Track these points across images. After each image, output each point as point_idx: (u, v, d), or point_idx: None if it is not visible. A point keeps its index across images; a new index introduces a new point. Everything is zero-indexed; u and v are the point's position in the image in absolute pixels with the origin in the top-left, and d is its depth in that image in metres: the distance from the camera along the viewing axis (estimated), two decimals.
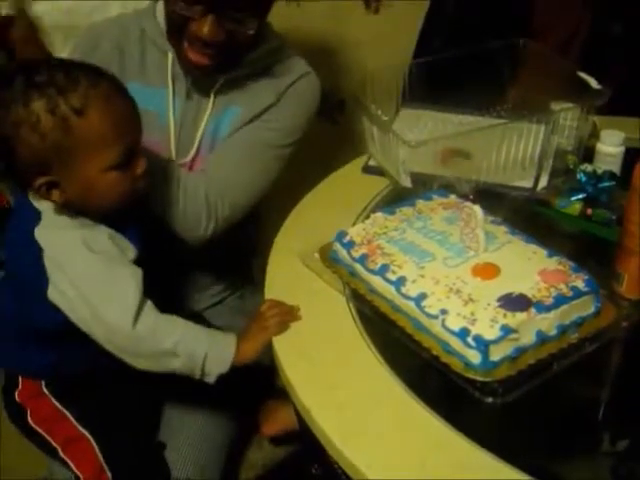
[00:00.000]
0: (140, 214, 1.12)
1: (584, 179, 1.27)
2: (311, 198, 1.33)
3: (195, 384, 1.15)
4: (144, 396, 1.23)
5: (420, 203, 1.19)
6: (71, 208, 1.04)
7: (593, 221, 1.22)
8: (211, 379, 1.05)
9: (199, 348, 1.03)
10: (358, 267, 1.07)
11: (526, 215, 1.23)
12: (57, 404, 1.17)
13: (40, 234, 1.04)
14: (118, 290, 1.02)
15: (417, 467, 0.81)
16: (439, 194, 1.22)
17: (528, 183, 1.33)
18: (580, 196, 1.26)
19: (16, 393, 1.19)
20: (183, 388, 1.22)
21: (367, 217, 1.19)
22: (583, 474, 0.85)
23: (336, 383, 0.93)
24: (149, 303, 1.04)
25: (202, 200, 1.22)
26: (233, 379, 1.07)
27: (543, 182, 1.33)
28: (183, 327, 1.05)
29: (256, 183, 1.29)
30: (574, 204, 1.25)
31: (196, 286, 1.40)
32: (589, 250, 1.18)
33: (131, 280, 1.04)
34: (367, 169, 1.41)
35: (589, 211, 1.23)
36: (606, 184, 1.25)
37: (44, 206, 1.05)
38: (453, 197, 1.20)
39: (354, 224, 1.19)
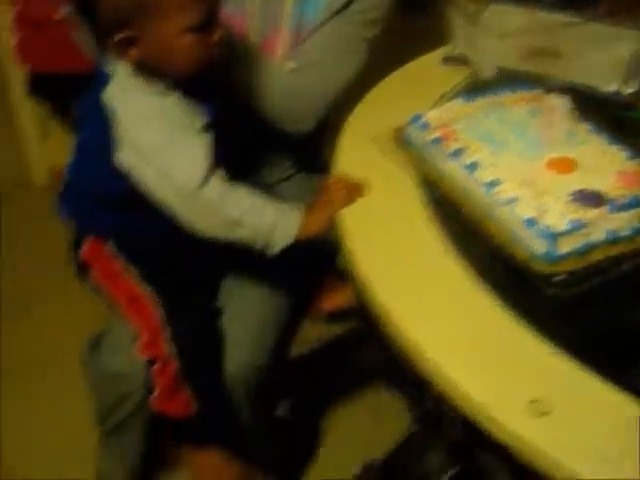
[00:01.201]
0: (214, 88, 1.11)
1: None
2: (388, 83, 1.30)
3: (257, 257, 1.17)
4: (206, 263, 1.25)
5: (502, 95, 1.15)
6: (145, 71, 1.04)
7: None
8: (274, 251, 1.06)
9: (265, 220, 1.04)
10: (432, 150, 1.05)
11: (610, 118, 1.18)
12: (122, 262, 1.20)
13: (112, 96, 1.04)
14: (187, 155, 1.03)
15: (471, 346, 0.81)
16: (523, 87, 1.18)
17: (615, 87, 1.28)
18: None
19: (83, 250, 1.22)
20: (244, 260, 1.24)
21: (445, 103, 1.16)
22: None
23: (399, 260, 0.93)
24: (218, 171, 1.04)
25: (303, 97, 1.23)
26: (296, 255, 1.08)
27: (632, 87, 1.28)
28: (251, 198, 1.06)
29: (349, 75, 1.28)
30: None
31: (265, 160, 1.40)
32: None
33: (200, 146, 1.04)
34: (448, 60, 1.37)
35: None
36: None
37: (120, 68, 1.05)
38: (537, 91, 1.16)
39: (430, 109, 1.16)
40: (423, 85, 1.29)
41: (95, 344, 1.32)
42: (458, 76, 1.32)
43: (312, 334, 1.38)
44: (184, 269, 1.22)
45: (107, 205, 1.16)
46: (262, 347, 1.25)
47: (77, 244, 1.23)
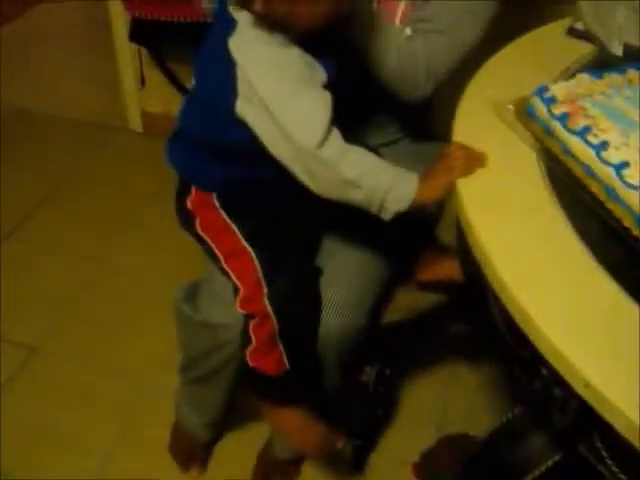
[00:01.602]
0: (333, 46, 1.08)
1: None
2: (508, 51, 1.26)
3: (359, 220, 1.15)
4: (308, 223, 1.24)
5: (631, 72, 1.10)
6: (270, 22, 1.01)
7: None
8: (388, 215, 1.04)
9: (382, 183, 1.01)
10: (557, 125, 1.01)
11: None
12: (225, 217, 1.18)
13: (234, 45, 1.01)
14: (307, 111, 1.01)
15: (589, 327, 0.78)
16: None
17: None
18: None
19: (188, 200, 1.21)
20: (346, 222, 1.23)
21: (570, 77, 1.11)
22: None
23: (516, 231, 0.90)
24: (337, 131, 1.02)
25: (421, 63, 1.20)
26: (398, 221, 1.06)
27: None
28: (369, 159, 1.04)
29: (471, 43, 1.24)
30: None
31: (372, 122, 1.38)
32: None
33: (321, 103, 1.02)
34: (572, 31, 1.31)
35: None
36: None
37: (242, 17, 1.02)
38: None
39: (550, 83, 1.12)
40: (545, 56, 1.25)
41: (191, 292, 1.33)
42: (581, 49, 1.27)
43: (403, 303, 1.36)
44: (286, 228, 1.21)
45: (217, 156, 1.14)
46: (358, 311, 1.24)
47: (183, 193, 1.22)
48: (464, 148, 1.02)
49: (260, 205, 1.19)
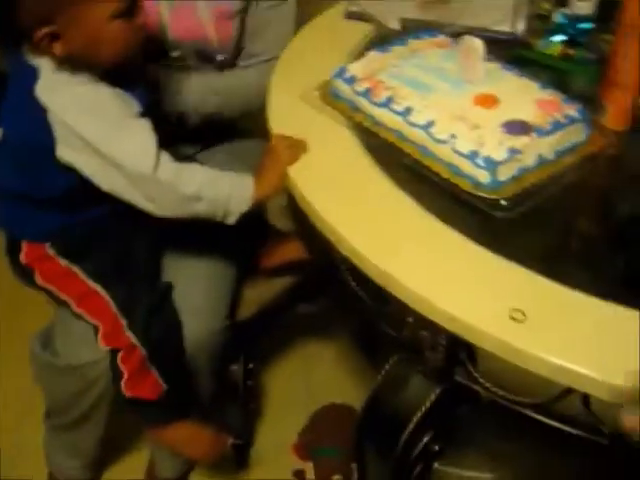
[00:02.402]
0: (140, 76, 1.11)
1: (562, 20, 1.32)
2: (298, 42, 1.34)
3: (194, 230, 1.19)
4: (148, 245, 1.26)
5: (412, 42, 1.22)
6: (72, 63, 1.03)
7: (574, 61, 1.28)
8: (232, 219, 1.09)
9: (221, 190, 1.07)
10: (362, 101, 1.10)
11: (508, 58, 1.27)
12: (64, 262, 1.18)
13: (42, 92, 1.02)
14: (134, 141, 1.04)
15: (439, 269, 0.88)
16: (428, 34, 1.25)
17: (507, 27, 1.37)
18: (560, 37, 1.31)
19: (21, 255, 1.19)
20: (185, 233, 1.26)
21: (360, 56, 1.21)
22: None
23: (353, 202, 0.98)
24: (165, 153, 1.05)
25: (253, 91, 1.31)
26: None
27: (521, 26, 1.37)
28: (203, 171, 1.09)
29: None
30: (555, 45, 1.30)
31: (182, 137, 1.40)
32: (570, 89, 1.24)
33: (144, 130, 1.05)
34: (351, 14, 1.42)
35: (571, 51, 1.28)
36: (585, 25, 1.30)
37: (43, 63, 1.03)
38: (442, 37, 1.24)
39: (346, 64, 1.21)
40: (332, 40, 1.35)
41: (46, 339, 1.29)
42: (364, 29, 1.37)
43: (250, 297, 1.42)
44: (128, 257, 1.22)
45: (43, 206, 1.14)
46: (217, 314, 1.28)
47: (13, 250, 1.20)
48: (285, 139, 1.08)
49: (97, 242, 1.19)
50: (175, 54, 1.28)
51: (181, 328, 1.23)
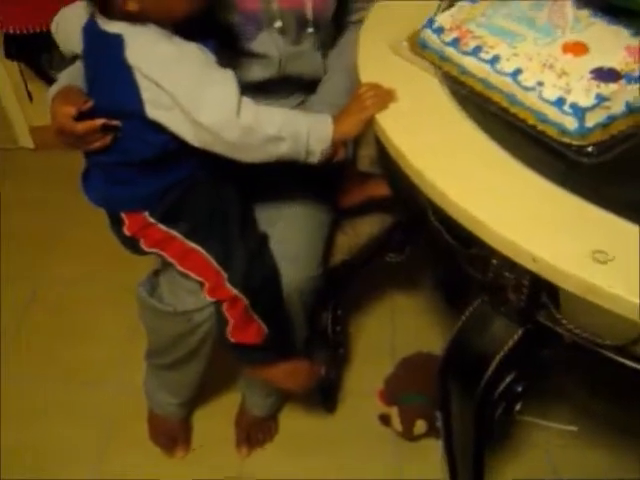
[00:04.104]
0: (209, 29, 1.15)
1: None
2: None
3: (285, 178, 1.24)
4: (240, 197, 1.30)
5: None
6: (147, 19, 1.07)
7: None
8: (315, 158, 1.13)
9: (301, 127, 1.11)
10: (450, 50, 1.12)
11: (598, 5, 1.25)
12: (164, 228, 1.24)
13: (129, 55, 1.07)
14: (217, 90, 1.08)
15: (525, 212, 0.90)
16: None
17: None
18: None
19: (124, 229, 1.26)
20: (275, 184, 1.31)
21: (448, 8, 1.22)
22: None
23: (441, 147, 1.00)
24: (246, 97, 1.10)
25: None
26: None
27: None
28: (282, 112, 1.13)
29: None
30: None
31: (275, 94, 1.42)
32: None
33: (226, 78, 1.10)
34: None
35: None
36: None
37: (122, 28, 1.08)
38: None
39: (436, 14, 1.23)
40: None
41: (151, 286, 1.37)
42: None
43: (343, 241, 1.45)
44: (221, 212, 1.27)
45: (136, 175, 1.20)
46: (313, 261, 1.33)
47: (116, 224, 1.27)
48: (374, 87, 1.11)
49: (190, 202, 1.24)
50: (277, 25, 1.30)
51: (279, 275, 1.28)
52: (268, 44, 1.31)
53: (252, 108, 1.10)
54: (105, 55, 1.11)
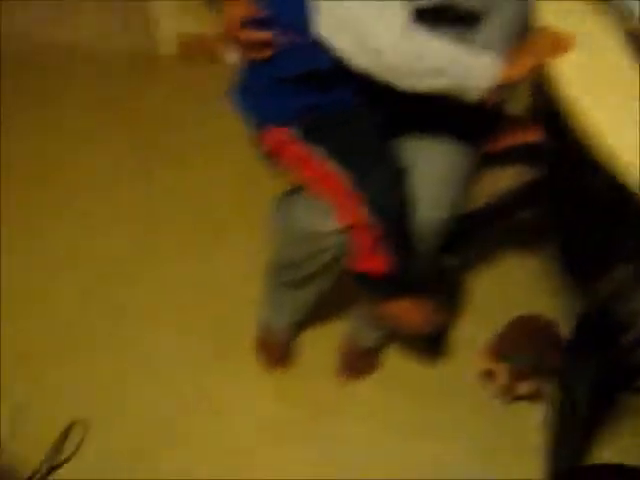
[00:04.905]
0: None
1: None
2: None
3: (432, 114, 1.22)
4: (385, 126, 1.28)
5: None
6: None
7: None
8: (475, 97, 1.10)
9: (467, 63, 1.08)
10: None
11: None
12: (306, 146, 1.25)
13: None
14: (387, 12, 1.06)
15: None
16: None
17: None
18: None
19: (267, 142, 1.27)
20: (421, 118, 1.29)
21: None
22: None
23: (619, 109, 0.96)
24: (413, 25, 1.08)
25: None
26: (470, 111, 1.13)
27: None
28: (449, 44, 1.10)
29: None
30: None
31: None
32: None
33: (396, 3, 1.07)
34: None
35: None
36: None
37: None
38: None
39: None
40: None
41: (287, 203, 1.39)
42: None
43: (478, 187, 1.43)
44: (365, 139, 1.26)
45: (292, 89, 1.20)
46: (451, 203, 1.31)
47: (259, 138, 1.28)
48: (551, 32, 1.07)
49: (335, 124, 1.24)
50: None
51: (413, 211, 1.27)
52: None
53: (419, 35, 1.08)
54: None
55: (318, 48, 1.11)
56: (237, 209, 2.07)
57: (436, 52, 1.08)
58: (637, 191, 0.87)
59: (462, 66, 1.08)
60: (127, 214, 2.11)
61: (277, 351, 1.71)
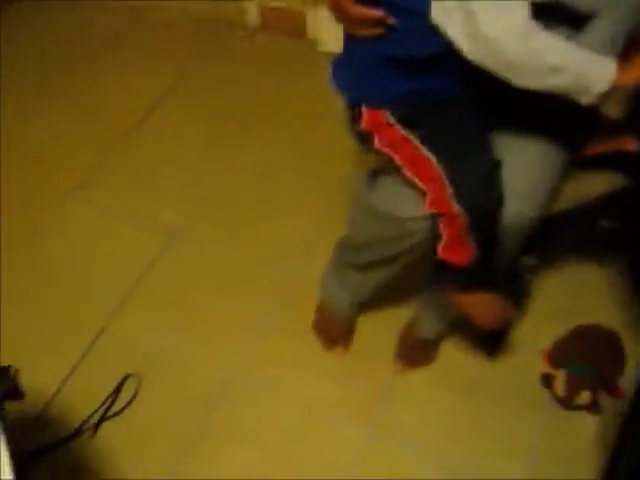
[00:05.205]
0: None
1: None
2: None
3: (529, 111, 1.20)
4: (483, 119, 1.27)
5: None
6: None
7: None
8: (588, 99, 1.09)
9: (584, 65, 1.07)
10: None
11: None
12: (402, 129, 1.23)
13: None
14: (510, 5, 1.05)
15: None
16: None
17: None
18: None
19: (362, 122, 1.26)
20: (518, 115, 1.28)
21: None
22: None
23: None
24: (534, 22, 1.06)
25: None
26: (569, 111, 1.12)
27: None
28: (568, 44, 1.08)
29: None
30: None
31: None
32: None
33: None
34: None
35: None
36: None
37: None
38: None
39: None
40: None
41: (371, 183, 1.38)
42: None
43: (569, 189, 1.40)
44: (461, 128, 1.25)
45: (393, 71, 1.19)
46: (540, 201, 1.30)
47: (354, 117, 1.27)
48: None
49: (434, 112, 1.23)
50: None
51: (502, 205, 1.26)
52: None
53: (540, 32, 1.07)
54: None
55: (430, 33, 1.10)
56: (311, 184, 2.07)
57: (557, 50, 1.07)
58: None
59: (581, 66, 1.07)
60: (194, 182, 2.13)
61: (336, 330, 1.72)
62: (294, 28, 2.45)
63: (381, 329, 1.74)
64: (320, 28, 2.38)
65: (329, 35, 2.32)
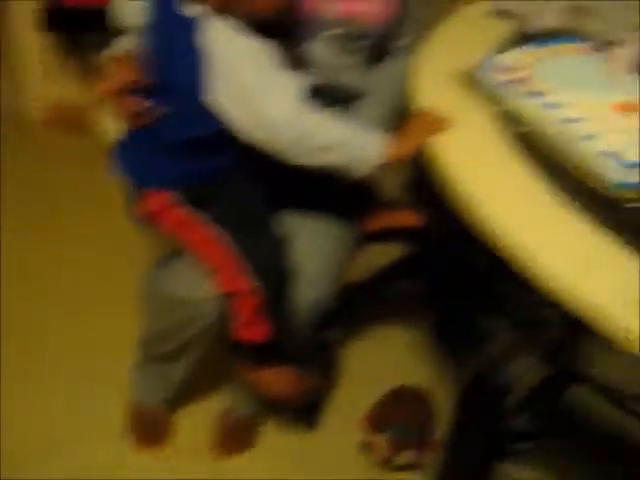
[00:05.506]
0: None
1: None
2: (445, 29, 1.39)
3: (312, 190, 1.25)
4: (268, 197, 1.31)
5: (553, 46, 1.26)
6: (225, 11, 1.10)
7: None
8: (362, 174, 1.14)
9: (356, 144, 1.13)
10: (508, 91, 1.15)
11: None
12: (190, 210, 1.25)
13: (205, 40, 1.09)
14: (281, 89, 1.11)
15: (573, 251, 0.92)
16: (568, 40, 1.29)
17: None
18: None
19: (146, 205, 1.26)
20: (302, 194, 1.32)
21: (501, 51, 1.26)
22: None
23: (496, 184, 1.02)
24: (306, 101, 1.12)
25: None
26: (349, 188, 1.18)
27: None
28: (341, 124, 1.14)
29: None
30: None
31: None
32: None
33: (290, 79, 1.12)
34: (496, 12, 1.46)
35: None
36: None
37: (199, 12, 1.10)
38: (581, 44, 1.27)
39: (496, 53, 1.25)
40: (475, 32, 1.39)
41: (159, 269, 1.36)
42: (504, 27, 1.42)
43: (362, 262, 1.46)
44: (248, 206, 1.28)
45: (176, 154, 1.21)
46: (330, 280, 1.34)
47: (137, 200, 1.27)
48: (431, 112, 1.14)
49: (220, 190, 1.25)
50: (333, 32, 1.30)
51: (292, 281, 1.28)
52: (320, 51, 1.32)
53: (313, 113, 1.12)
54: (176, 34, 1.12)
55: (204, 115, 1.13)
56: (105, 283, 2.00)
57: (330, 130, 1.12)
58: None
59: (352, 143, 1.13)
60: None
61: (150, 429, 1.65)
62: (79, 123, 2.41)
63: (199, 419, 1.69)
64: (104, 120, 2.36)
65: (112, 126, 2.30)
